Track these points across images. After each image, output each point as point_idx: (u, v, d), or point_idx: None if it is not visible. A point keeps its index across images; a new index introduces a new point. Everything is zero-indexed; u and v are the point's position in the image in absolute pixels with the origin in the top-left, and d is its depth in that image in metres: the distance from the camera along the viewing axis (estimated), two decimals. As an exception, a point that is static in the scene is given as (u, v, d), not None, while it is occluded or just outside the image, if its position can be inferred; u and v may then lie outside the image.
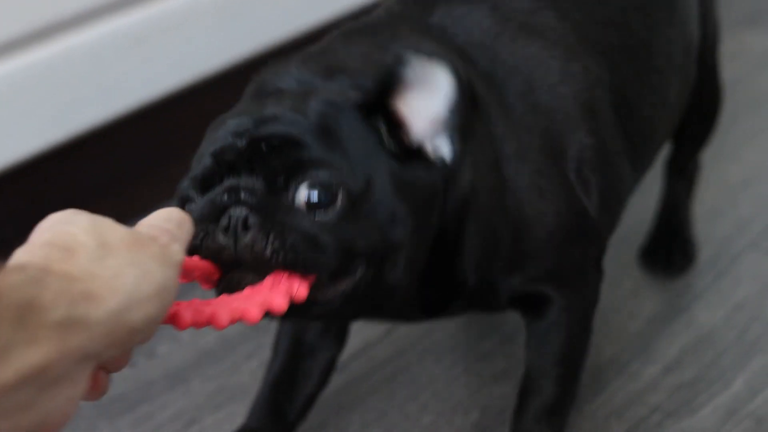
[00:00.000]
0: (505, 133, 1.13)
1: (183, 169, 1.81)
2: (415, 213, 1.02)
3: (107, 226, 0.79)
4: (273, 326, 1.50)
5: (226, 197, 0.98)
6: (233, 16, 1.75)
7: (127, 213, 1.72)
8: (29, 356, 0.68)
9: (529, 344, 1.24)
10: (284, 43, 1.84)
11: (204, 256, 0.97)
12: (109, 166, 1.71)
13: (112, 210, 1.66)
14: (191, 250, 0.97)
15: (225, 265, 0.97)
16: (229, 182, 0.99)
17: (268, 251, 0.95)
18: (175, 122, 1.75)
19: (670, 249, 1.60)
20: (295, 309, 0.95)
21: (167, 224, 0.86)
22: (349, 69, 1.08)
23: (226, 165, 1.00)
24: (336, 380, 1.41)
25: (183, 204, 1.02)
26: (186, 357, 1.48)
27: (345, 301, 1.00)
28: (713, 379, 1.41)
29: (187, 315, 0.88)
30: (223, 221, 0.97)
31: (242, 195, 0.97)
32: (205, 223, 0.98)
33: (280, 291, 0.94)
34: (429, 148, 1.02)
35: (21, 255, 0.75)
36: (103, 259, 0.75)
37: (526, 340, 1.24)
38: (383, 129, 1.02)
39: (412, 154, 1.02)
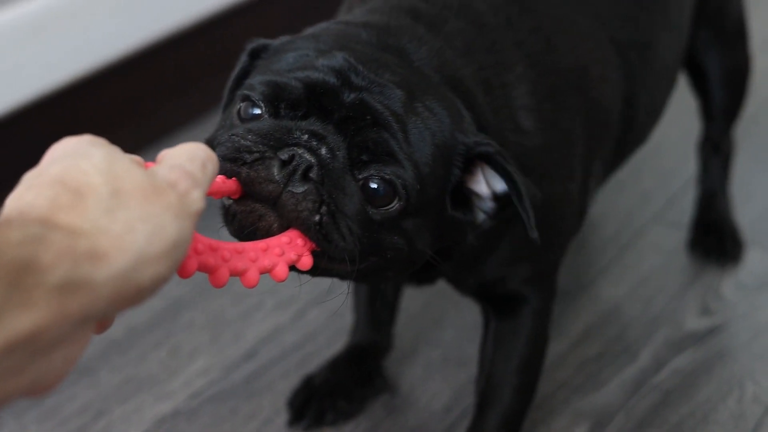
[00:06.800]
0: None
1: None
2: (436, 241, 1.00)
3: (123, 167, 0.71)
4: (181, 315, 1.49)
5: (305, 138, 0.92)
6: (133, 2, 1.73)
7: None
8: (21, 321, 0.62)
9: (491, 345, 1.21)
10: (188, 28, 1.83)
11: (245, 176, 0.90)
12: (13, 156, 1.68)
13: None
14: (234, 160, 0.90)
15: (253, 193, 0.91)
16: (315, 126, 0.93)
17: (314, 219, 0.90)
18: (74, 111, 1.73)
19: (719, 238, 1.60)
20: (296, 269, 0.92)
21: (190, 165, 0.76)
22: (466, 89, 1.03)
23: (317, 105, 0.94)
24: (246, 367, 1.40)
25: (243, 100, 0.95)
26: (92, 348, 1.45)
27: (344, 276, 0.98)
28: (618, 353, 1.43)
29: (192, 263, 0.81)
30: (284, 155, 0.90)
31: (322, 149, 0.92)
32: (264, 144, 0.91)
33: (289, 258, 0.89)
34: (475, 203, 1.01)
35: (27, 193, 0.69)
36: (113, 211, 0.68)
37: (488, 340, 1.22)
38: (456, 171, 0.99)
39: (460, 199, 1.01)
